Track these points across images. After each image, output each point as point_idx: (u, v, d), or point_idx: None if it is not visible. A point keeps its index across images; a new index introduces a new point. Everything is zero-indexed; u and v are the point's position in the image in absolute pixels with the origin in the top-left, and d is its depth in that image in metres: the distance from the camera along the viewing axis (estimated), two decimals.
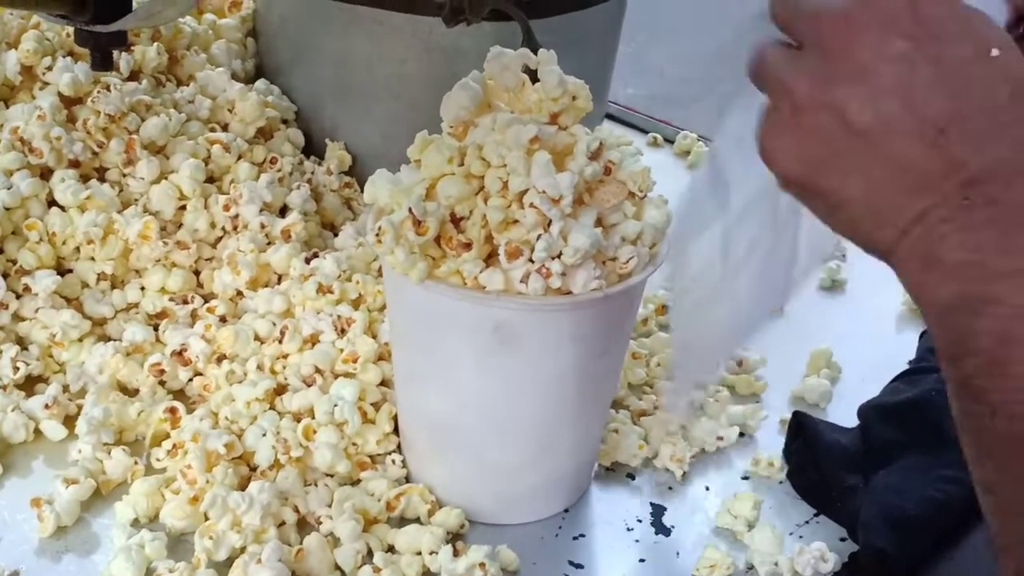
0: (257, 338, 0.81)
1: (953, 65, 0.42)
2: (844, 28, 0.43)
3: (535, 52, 0.86)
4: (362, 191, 0.98)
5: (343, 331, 0.80)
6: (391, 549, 0.72)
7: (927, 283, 0.43)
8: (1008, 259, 0.41)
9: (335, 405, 0.75)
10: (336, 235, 0.94)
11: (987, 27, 0.43)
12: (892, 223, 0.44)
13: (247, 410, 0.76)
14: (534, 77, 0.78)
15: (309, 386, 0.78)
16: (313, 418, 0.75)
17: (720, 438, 0.82)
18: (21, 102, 0.87)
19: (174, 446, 0.75)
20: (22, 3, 0.73)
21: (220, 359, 0.80)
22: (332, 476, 0.75)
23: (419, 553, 0.71)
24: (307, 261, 0.85)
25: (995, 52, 0.43)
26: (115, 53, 0.75)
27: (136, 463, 0.74)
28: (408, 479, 0.76)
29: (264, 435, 0.75)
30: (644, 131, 1.27)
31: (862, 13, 0.43)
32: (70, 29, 0.88)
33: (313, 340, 0.81)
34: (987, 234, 0.42)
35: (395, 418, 0.77)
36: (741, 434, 0.84)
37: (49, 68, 0.88)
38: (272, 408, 0.77)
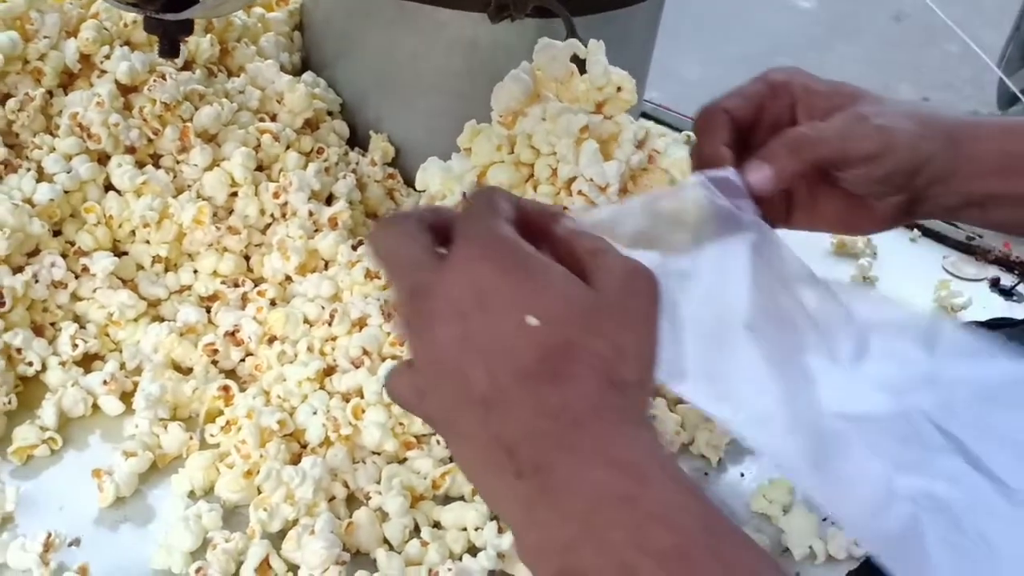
0: (306, 321, 0.84)
1: (492, 337, 0.44)
2: (411, 317, 0.47)
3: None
4: (405, 182, 1.01)
5: (390, 315, 0.82)
6: (437, 525, 0.74)
7: (534, 567, 0.44)
8: (568, 527, 0.42)
9: (384, 385, 0.77)
10: None
11: (534, 293, 0.45)
12: (496, 504, 0.47)
13: (298, 389, 0.78)
14: (582, 68, 0.80)
15: (357, 367, 0.80)
16: (362, 398, 0.78)
17: None
18: (80, 89, 0.90)
19: (227, 422, 0.77)
20: None
21: (271, 340, 0.83)
22: (379, 454, 0.77)
23: (464, 529, 0.73)
24: (354, 248, 0.87)
25: (532, 321, 0.44)
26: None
27: (191, 438, 0.76)
28: (452, 459, 0.78)
29: (315, 413, 0.77)
30: (678, 129, 1.29)
31: (425, 302, 0.46)
32: (128, 18, 0.92)
33: (361, 323, 0.83)
34: (544, 506, 0.43)
35: None
36: None
37: (107, 57, 0.90)
38: (322, 388, 0.80)
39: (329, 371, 0.81)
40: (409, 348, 0.47)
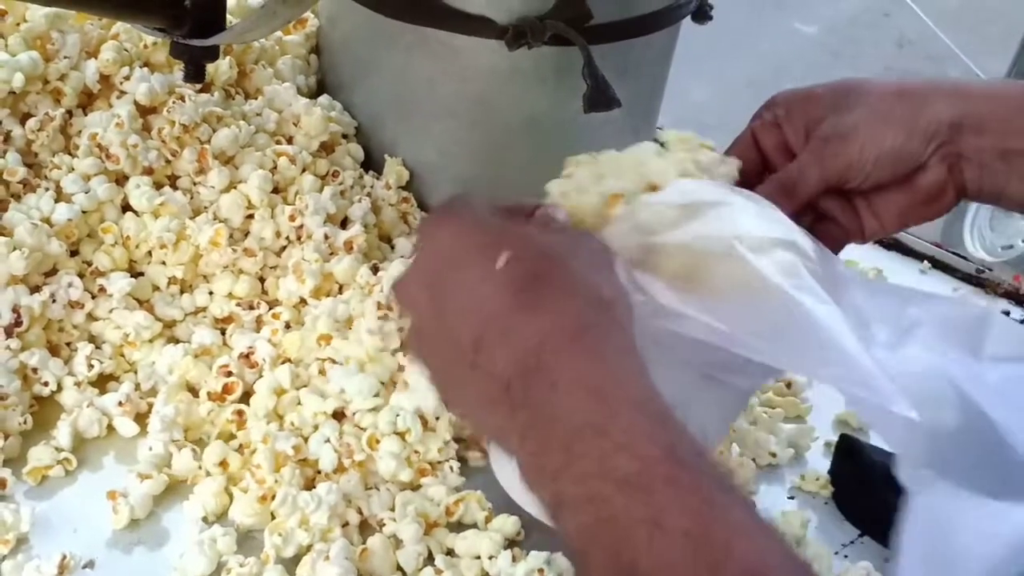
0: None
1: (466, 288, 0.49)
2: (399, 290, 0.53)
3: (595, 77, 0.89)
4: (419, 206, 1.01)
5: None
6: (450, 552, 0.74)
7: (534, 494, 0.47)
8: (553, 457, 0.45)
9: (397, 415, 0.78)
10: (393, 248, 0.96)
11: (495, 242, 0.49)
12: (497, 438, 0.50)
13: (312, 419, 0.78)
14: None
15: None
16: (376, 428, 0.78)
17: (773, 454, 0.84)
18: (99, 110, 0.90)
19: (240, 446, 0.78)
20: (124, 16, 0.76)
21: (285, 363, 0.83)
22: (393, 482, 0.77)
23: (478, 557, 0.73)
24: (374, 271, 0.87)
25: (501, 262, 0.48)
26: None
27: (199, 467, 0.76)
28: (464, 486, 0.78)
29: (327, 441, 0.77)
30: None
31: (409, 272, 0.52)
32: (148, 40, 0.92)
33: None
34: (534, 436, 0.46)
35: (455, 426, 0.79)
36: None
37: (127, 78, 0.91)
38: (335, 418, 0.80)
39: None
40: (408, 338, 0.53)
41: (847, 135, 0.61)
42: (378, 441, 0.77)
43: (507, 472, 0.51)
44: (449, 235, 0.51)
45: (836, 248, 0.65)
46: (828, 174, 0.62)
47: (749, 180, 0.63)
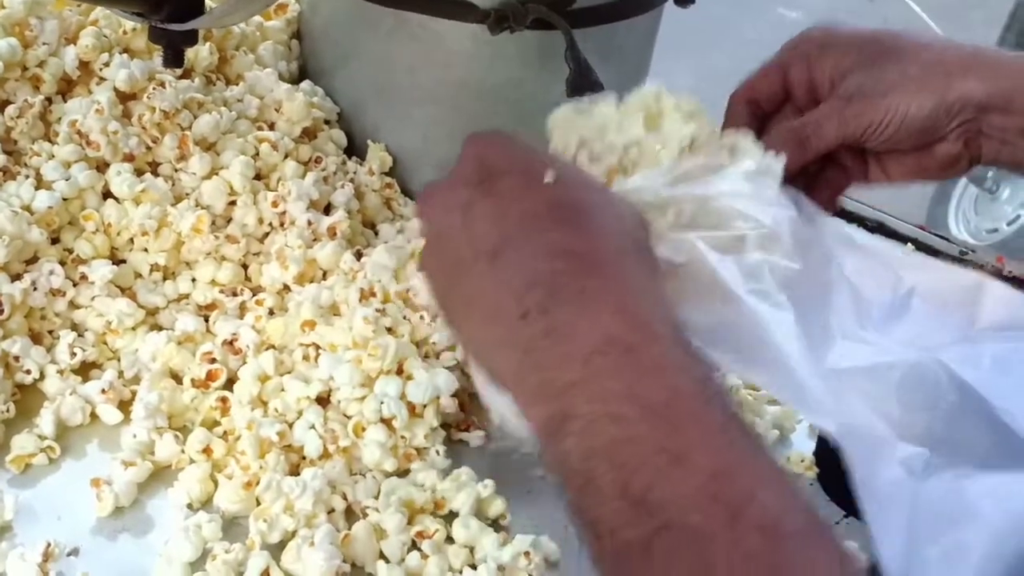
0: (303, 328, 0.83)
1: (504, 194, 0.47)
2: (427, 197, 0.51)
3: (578, 61, 0.89)
4: (402, 191, 1.01)
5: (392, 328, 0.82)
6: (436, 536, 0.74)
7: (527, 412, 0.45)
8: (567, 370, 0.43)
9: (381, 403, 0.77)
10: (376, 234, 0.96)
11: (543, 162, 0.48)
12: (492, 353, 0.48)
13: (296, 404, 0.78)
14: None
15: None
16: (362, 415, 0.77)
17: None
18: (79, 96, 0.90)
19: (224, 433, 0.77)
20: (102, 1, 0.76)
21: (268, 349, 0.82)
22: None
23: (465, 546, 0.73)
24: (357, 257, 0.87)
25: (549, 177, 0.47)
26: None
27: (182, 451, 0.76)
28: (452, 468, 0.78)
29: (311, 427, 0.77)
30: None
31: (443, 181, 0.50)
32: (128, 26, 0.91)
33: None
34: (546, 348, 0.44)
35: (440, 411, 0.79)
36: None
37: (106, 64, 0.90)
38: (319, 403, 0.79)
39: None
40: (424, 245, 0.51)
41: (872, 98, 0.60)
42: (364, 429, 0.76)
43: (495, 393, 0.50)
44: (499, 148, 0.49)
45: (837, 191, 0.65)
46: (846, 132, 0.61)
47: (770, 110, 0.63)
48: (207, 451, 0.75)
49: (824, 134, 0.61)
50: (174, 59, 0.72)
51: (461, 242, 0.47)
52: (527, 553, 0.71)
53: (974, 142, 0.61)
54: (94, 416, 0.78)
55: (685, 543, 0.39)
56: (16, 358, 0.78)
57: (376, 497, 0.75)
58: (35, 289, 0.80)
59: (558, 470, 0.43)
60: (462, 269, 0.47)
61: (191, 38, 0.71)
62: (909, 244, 1.12)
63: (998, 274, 1.08)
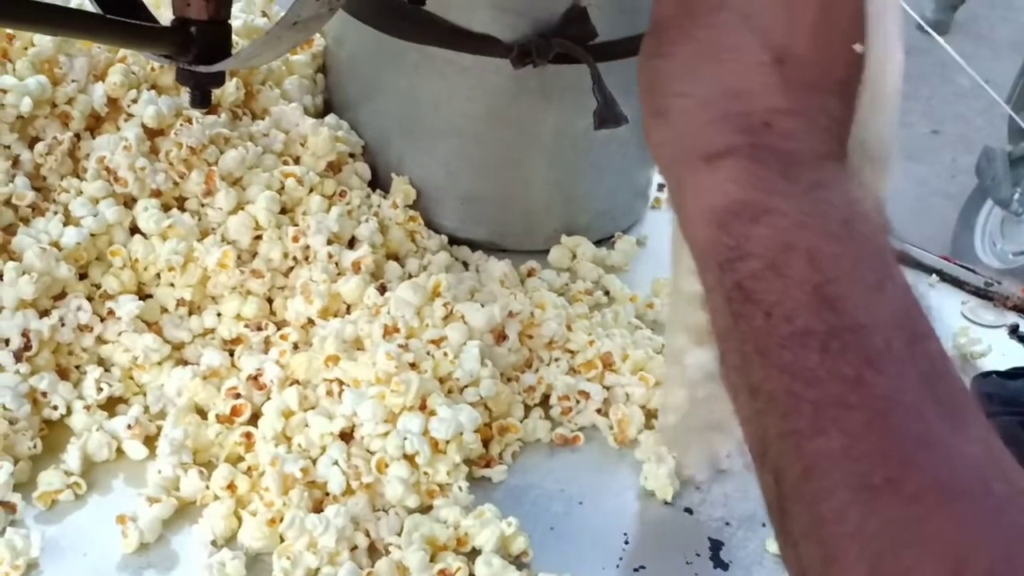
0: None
1: None
2: None
3: (604, 94, 0.89)
4: (426, 225, 1.02)
5: (415, 364, 0.83)
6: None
7: (708, 187, 0.46)
8: (790, 183, 0.44)
9: (404, 439, 0.77)
10: (403, 267, 0.96)
11: None
12: (713, 116, 0.47)
13: (320, 441, 0.79)
14: None
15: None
16: (385, 452, 0.78)
17: None
18: (107, 132, 0.91)
19: (248, 468, 0.78)
20: (129, 44, 0.77)
21: (293, 384, 0.83)
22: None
23: None
24: (381, 291, 0.87)
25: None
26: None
27: (207, 487, 0.76)
28: (475, 504, 0.78)
29: (335, 464, 0.77)
30: None
31: None
32: (156, 63, 0.92)
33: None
34: (776, 159, 0.45)
35: (463, 447, 0.79)
36: None
37: (134, 101, 0.91)
38: (343, 440, 0.79)
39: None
40: None
41: None
42: (387, 465, 0.77)
43: None
44: None
45: None
46: None
47: None
48: (231, 487, 0.76)
49: None
50: (202, 100, 0.73)
51: (727, 26, 0.47)
52: None
53: None
54: (120, 452, 0.79)
55: (861, 347, 0.41)
56: (44, 394, 0.79)
57: (399, 534, 0.75)
58: (63, 325, 0.81)
59: (731, 247, 0.44)
60: (721, 50, 0.47)
61: (219, 79, 0.72)
62: (934, 275, 1.11)
63: (1023, 307, 1.07)
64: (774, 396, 0.43)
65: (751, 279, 0.43)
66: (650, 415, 0.87)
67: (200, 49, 0.67)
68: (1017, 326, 1.05)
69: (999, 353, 1.01)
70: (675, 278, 0.77)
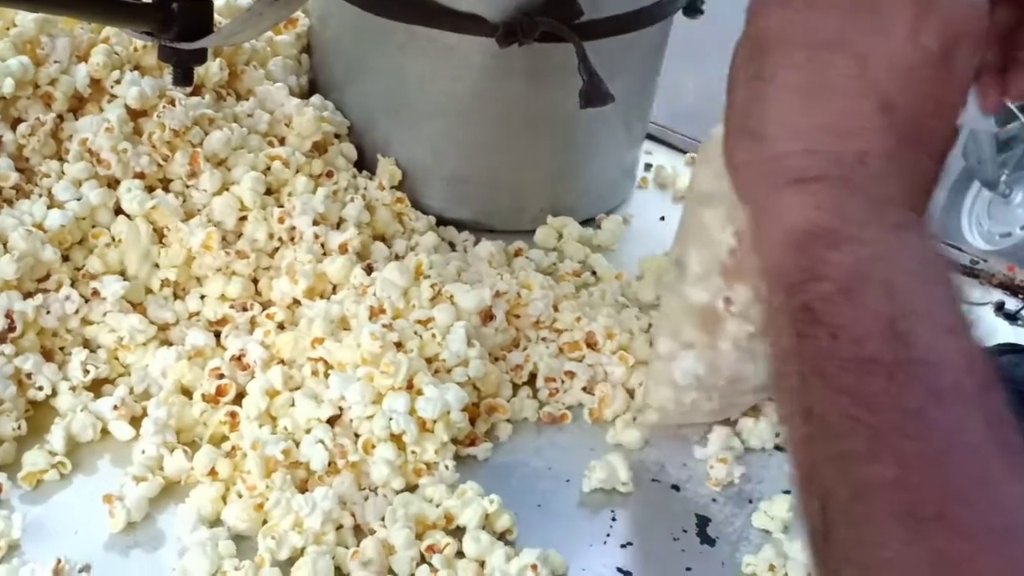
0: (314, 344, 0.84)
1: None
2: None
3: (590, 73, 0.89)
4: (413, 205, 1.01)
5: (400, 344, 0.82)
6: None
7: (792, 209, 0.46)
8: (874, 218, 0.45)
9: (390, 419, 0.77)
10: (390, 247, 0.96)
11: None
12: (810, 146, 0.47)
13: (306, 424, 0.78)
14: None
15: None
16: (372, 433, 0.77)
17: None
18: (90, 113, 0.90)
19: (233, 448, 0.77)
20: (111, 21, 0.76)
21: (278, 364, 0.82)
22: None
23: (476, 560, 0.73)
24: (367, 271, 0.87)
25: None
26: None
27: (192, 469, 0.76)
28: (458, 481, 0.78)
29: (319, 442, 0.77)
30: (682, 151, 1.29)
31: None
32: (139, 43, 0.92)
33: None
34: (864, 194, 0.46)
35: (451, 426, 0.79)
36: None
37: (117, 82, 0.91)
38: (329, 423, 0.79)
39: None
40: None
41: None
42: (373, 446, 0.77)
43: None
44: None
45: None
46: None
47: None
48: (212, 473, 0.75)
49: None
50: (184, 78, 0.72)
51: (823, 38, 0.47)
52: (534, 566, 0.71)
53: None
54: (105, 432, 0.79)
55: (929, 382, 0.41)
56: (28, 375, 0.78)
57: (383, 518, 0.74)
58: (48, 312, 0.81)
59: (804, 268, 0.44)
60: (818, 60, 0.47)
61: (200, 57, 0.72)
62: None
63: (1009, 283, 1.07)
64: (829, 418, 0.42)
65: (820, 301, 0.43)
66: (629, 395, 0.87)
67: (182, 26, 0.67)
68: (1003, 303, 1.05)
69: (985, 330, 1.01)
70: (678, 285, 0.78)
